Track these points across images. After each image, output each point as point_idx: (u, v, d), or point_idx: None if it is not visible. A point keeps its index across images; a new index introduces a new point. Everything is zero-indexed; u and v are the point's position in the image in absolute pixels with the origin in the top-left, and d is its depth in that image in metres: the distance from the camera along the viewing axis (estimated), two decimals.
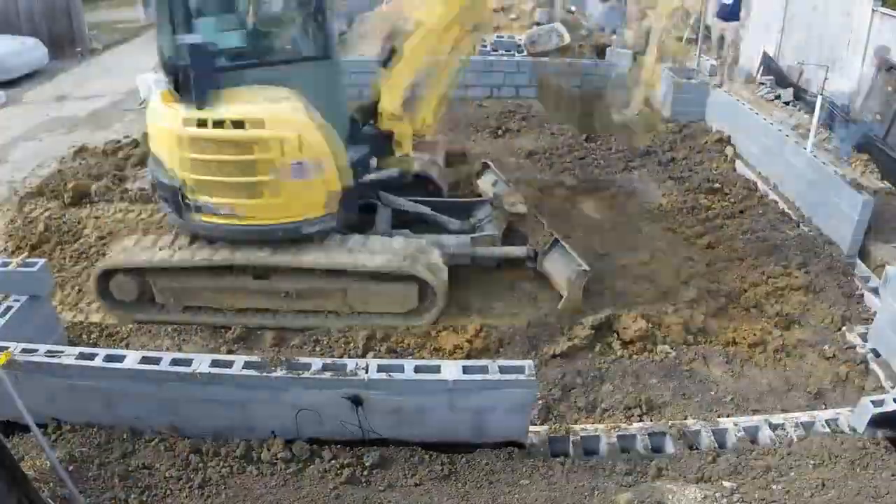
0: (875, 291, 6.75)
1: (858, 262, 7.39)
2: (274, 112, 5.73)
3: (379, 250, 6.21)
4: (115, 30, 20.26)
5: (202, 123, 5.69)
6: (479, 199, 7.70)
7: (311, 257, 6.12)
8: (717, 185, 9.17)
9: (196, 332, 6.32)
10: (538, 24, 15.47)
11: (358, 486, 4.34)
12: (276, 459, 4.49)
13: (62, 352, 4.64)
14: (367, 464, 4.46)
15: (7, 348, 4.50)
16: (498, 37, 14.44)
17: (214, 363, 4.53)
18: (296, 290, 6.27)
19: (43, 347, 4.64)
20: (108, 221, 8.11)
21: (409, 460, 4.52)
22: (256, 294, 6.31)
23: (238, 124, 5.67)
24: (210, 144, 5.75)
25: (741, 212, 8.54)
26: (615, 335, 6.18)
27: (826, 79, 9.01)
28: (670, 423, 5.12)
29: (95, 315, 6.57)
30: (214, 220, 6.05)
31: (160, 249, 6.23)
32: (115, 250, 6.47)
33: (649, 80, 7.49)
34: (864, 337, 6.19)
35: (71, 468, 4.24)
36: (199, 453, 4.51)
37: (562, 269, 6.64)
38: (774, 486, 4.33)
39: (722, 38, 13.23)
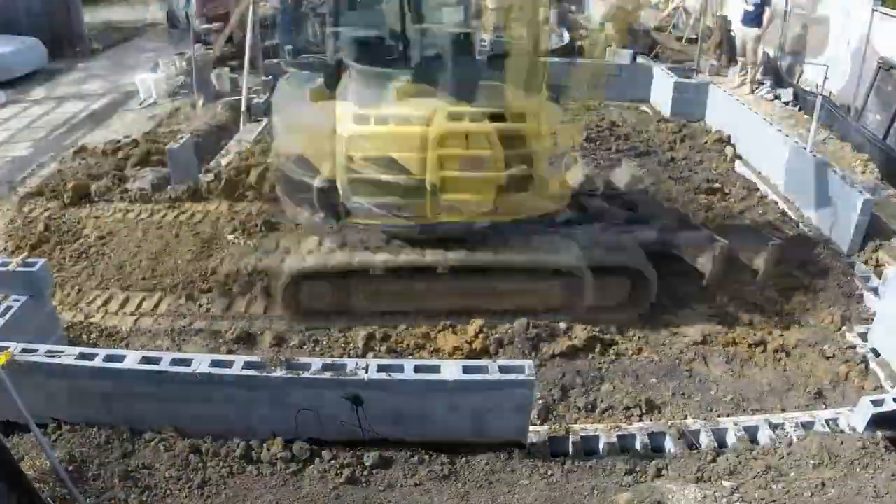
0: (875, 291, 6.75)
1: (858, 262, 7.39)
2: (530, 105, 5.66)
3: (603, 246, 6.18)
4: (115, 30, 20.27)
5: (460, 118, 5.47)
6: (629, 191, 7.66)
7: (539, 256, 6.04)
8: (717, 185, 9.18)
9: (196, 332, 6.32)
10: None
11: (358, 486, 4.34)
12: (276, 459, 4.49)
13: (62, 352, 4.63)
14: (367, 464, 4.46)
15: (7, 348, 4.50)
16: (497, 37, 14.42)
17: (214, 363, 4.52)
18: (506, 289, 6.20)
19: (43, 347, 4.63)
20: (108, 221, 8.11)
21: (409, 460, 4.52)
22: (456, 294, 6.20)
23: (497, 118, 5.49)
24: (463, 140, 5.53)
25: (741, 212, 8.54)
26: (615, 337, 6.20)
27: (826, 78, 9.02)
28: (670, 423, 5.12)
29: (96, 315, 6.57)
30: (457, 218, 5.88)
31: (367, 250, 6.01)
32: (300, 255, 6.12)
33: None
34: (864, 337, 6.19)
35: (71, 468, 4.24)
36: (199, 453, 4.50)
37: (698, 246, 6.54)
38: (774, 486, 4.33)
39: (745, 45, 12.94)
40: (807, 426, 4.96)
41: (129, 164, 9.57)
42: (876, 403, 4.71)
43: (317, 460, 4.49)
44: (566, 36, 14.41)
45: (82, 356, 4.57)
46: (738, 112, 10.60)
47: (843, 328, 6.37)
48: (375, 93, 5.65)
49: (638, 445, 4.89)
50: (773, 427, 4.97)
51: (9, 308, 5.20)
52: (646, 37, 15.26)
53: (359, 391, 4.42)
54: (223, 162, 9.76)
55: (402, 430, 4.61)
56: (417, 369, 4.50)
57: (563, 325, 6.20)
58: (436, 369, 4.51)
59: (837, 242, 7.66)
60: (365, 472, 4.43)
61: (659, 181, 8.02)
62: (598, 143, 10.55)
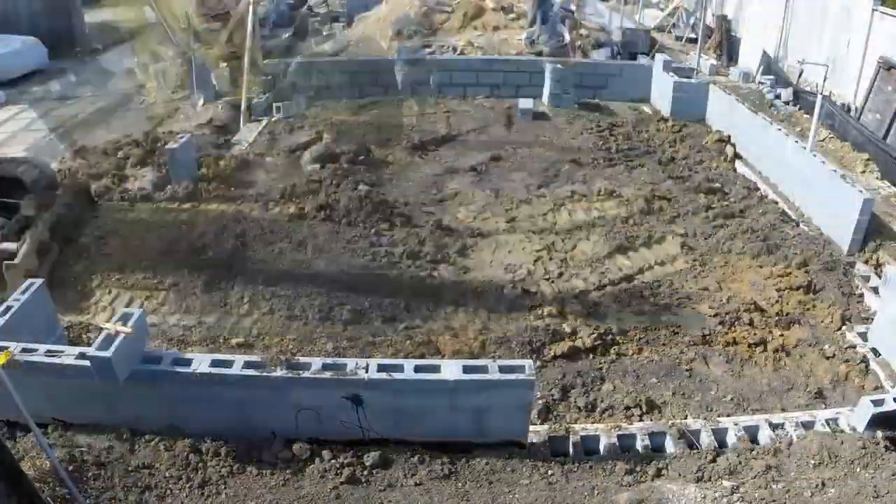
0: (875, 291, 6.75)
1: (858, 261, 7.39)
2: None
3: None
4: (115, 30, 20.26)
5: None
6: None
7: None
8: (716, 185, 9.18)
9: (196, 332, 6.31)
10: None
11: (358, 486, 4.34)
12: (276, 459, 4.49)
13: (62, 352, 4.63)
14: (367, 464, 4.46)
15: (7, 348, 4.50)
16: None
17: (214, 363, 4.52)
18: None
19: (43, 347, 4.63)
20: (109, 221, 8.09)
21: (409, 460, 4.52)
22: None
23: None
24: None
25: (741, 211, 8.54)
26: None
27: (826, 78, 9.00)
28: (670, 423, 5.12)
29: (96, 315, 6.56)
30: None
31: None
32: None
33: None
34: (864, 337, 6.18)
35: (71, 468, 4.24)
36: (199, 453, 4.50)
37: None
38: (774, 486, 4.33)
39: None
40: (807, 426, 4.96)
41: (128, 164, 9.57)
42: (876, 403, 4.70)
43: (317, 460, 4.48)
44: (566, 35, 14.41)
45: (82, 356, 4.57)
46: (738, 112, 10.60)
47: (843, 328, 6.36)
48: None
49: (638, 445, 4.88)
50: (773, 427, 4.97)
51: (9, 308, 5.19)
52: (646, 37, 15.26)
53: (359, 391, 4.42)
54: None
55: (402, 430, 4.61)
56: (417, 369, 4.49)
57: (566, 328, 6.20)
58: (436, 369, 4.50)
59: (837, 242, 7.65)
60: (365, 472, 4.43)
61: None
62: (600, 143, 10.56)
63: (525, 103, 11.63)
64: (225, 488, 4.30)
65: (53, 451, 4.22)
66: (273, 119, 11.90)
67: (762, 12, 14.05)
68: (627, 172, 9.66)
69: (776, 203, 8.78)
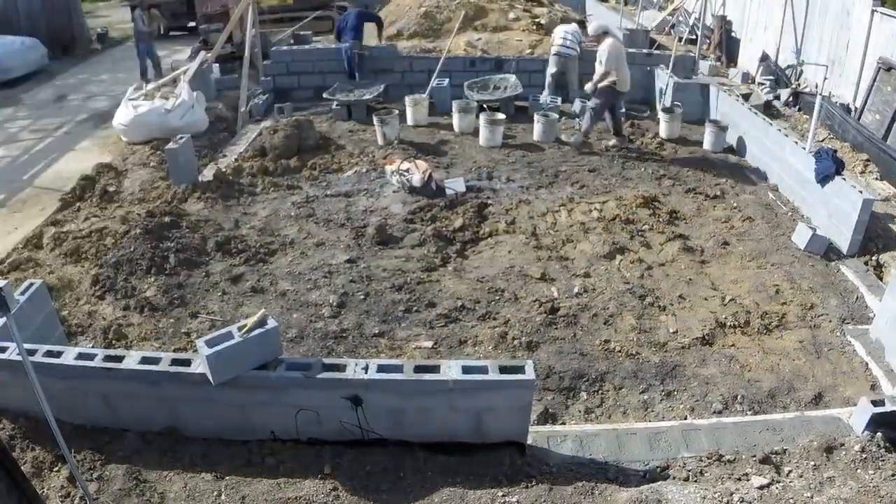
0: (875, 291, 6.75)
1: (858, 261, 7.39)
2: None
3: None
4: (115, 30, 20.31)
5: None
6: None
7: None
8: (717, 184, 9.19)
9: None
10: (540, 24, 15.49)
11: (358, 487, 4.34)
12: (277, 459, 4.49)
13: (62, 352, 4.63)
14: (366, 464, 4.46)
15: (6, 348, 4.50)
16: None
17: None
18: None
19: (43, 347, 4.63)
20: (109, 222, 8.10)
21: (408, 461, 4.52)
22: None
23: None
24: None
25: (741, 212, 8.54)
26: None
27: (825, 78, 9.02)
28: (670, 423, 5.11)
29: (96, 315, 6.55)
30: None
31: None
32: None
33: None
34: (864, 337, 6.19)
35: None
36: (200, 453, 4.50)
37: None
38: (774, 486, 4.33)
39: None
40: (807, 426, 4.96)
41: (128, 164, 9.59)
42: (876, 403, 4.71)
43: (317, 460, 4.48)
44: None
45: (82, 356, 4.57)
46: (738, 112, 10.61)
47: (843, 328, 6.37)
48: None
49: (638, 446, 4.89)
50: (774, 427, 4.97)
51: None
52: (645, 37, 15.29)
53: (359, 391, 4.42)
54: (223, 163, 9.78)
55: (403, 430, 4.61)
56: (417, 369, 4.49)
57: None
58: (435, 369, 4.50)
59: (837, 242, 7.66)
60: (365, 473, 4.43)
61: None
62: (600, 144, 10.56)
63: None
64: (225, 488, 4.30)
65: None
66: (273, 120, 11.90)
67: (762, 13, 14.08)
68: (627, 173, 9.67)
69: (776, 203, 8.78)
